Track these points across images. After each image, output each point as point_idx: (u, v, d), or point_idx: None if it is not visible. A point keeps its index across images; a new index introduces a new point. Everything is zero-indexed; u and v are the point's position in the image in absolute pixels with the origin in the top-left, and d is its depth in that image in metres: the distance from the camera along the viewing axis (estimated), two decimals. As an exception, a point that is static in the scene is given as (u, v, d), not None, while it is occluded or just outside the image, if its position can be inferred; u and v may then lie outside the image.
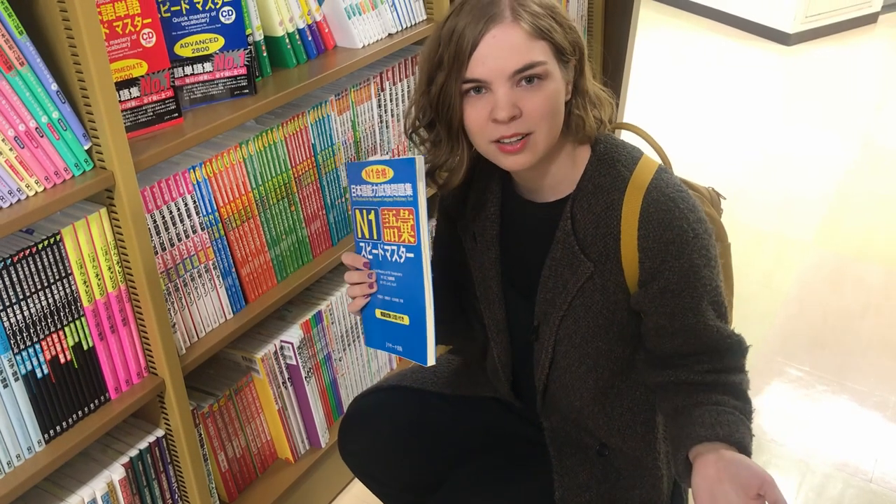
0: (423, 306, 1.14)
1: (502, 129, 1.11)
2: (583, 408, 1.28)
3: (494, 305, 1.31)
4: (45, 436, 1.28)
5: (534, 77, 1.09)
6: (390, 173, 1.14)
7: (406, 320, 1.17)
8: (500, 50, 1.08)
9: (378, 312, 1.21)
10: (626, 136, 1.36)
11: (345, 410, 1.51)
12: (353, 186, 1.21)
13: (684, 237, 1.13)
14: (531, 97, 1.10)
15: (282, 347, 1.70)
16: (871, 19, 5.14)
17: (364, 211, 1.20)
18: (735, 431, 1.07)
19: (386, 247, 1.17)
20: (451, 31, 1.10)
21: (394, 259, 1.17)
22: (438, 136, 1.19)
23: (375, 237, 1.19)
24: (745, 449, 1.06)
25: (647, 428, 1.29)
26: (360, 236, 1.22)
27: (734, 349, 1.17)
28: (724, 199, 1.49)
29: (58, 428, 1.29)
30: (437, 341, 1.24)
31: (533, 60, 1.09)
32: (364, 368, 1.97)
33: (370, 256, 1.20)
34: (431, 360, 1.15)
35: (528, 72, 1.09)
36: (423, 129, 1.22)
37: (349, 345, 1.90)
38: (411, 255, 1.14)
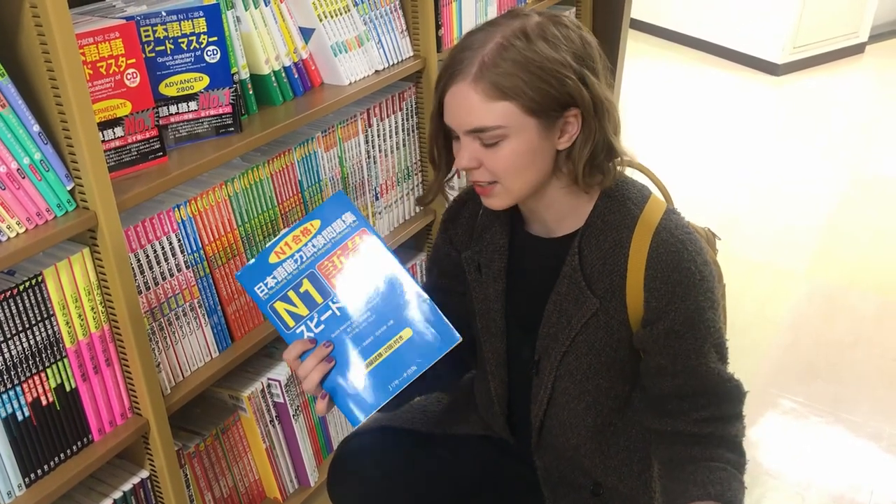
0: (422, 298, 1.12)
1: (471, 174, 1.15)
2: (579, 446, 1.27)
3: (496, 338, 1.29)
4: (26, 479, 1.26)
5: (489, 139, 1.10)
6: (317, 223, 1.13)
7: (408, 332, 1.12)
8: (457, 108, 1.10)
9: (366, 366, 1.13)
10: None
11: (334, 450, 1.49)
12: (258, 287, 1.13)
13: (692, 279, 1.13)
14: (491, 155, 1.11)
15: (269, 385, 1.68)
16: (858, 49, 5.19)
17: (290, 293, 1.13)
18: (727, 490, 1.08)
19: (341, 295, 1.13)
20: (439, 73, 1.14)
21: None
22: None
23: (320, 301, 1.13)
24: None
25: (643, 466, 1.27)
26: (291, 325, 1.13)
27: (733, 394, 1.17)
28: (720, 239, 1.49)
29: (39, 471, 1.28)
30: (433, 389, 1.22)
31: (483, 125, 1.08)
32: (354, 405, 1.95)
33: (320, 328, 1.13)
34: (459, 335, 1.12)
35: (480, 134, 1.10)
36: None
37: (338, 381, 1.88)
38: (382, 267, 1.13)
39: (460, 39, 1.14)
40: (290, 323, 1.14)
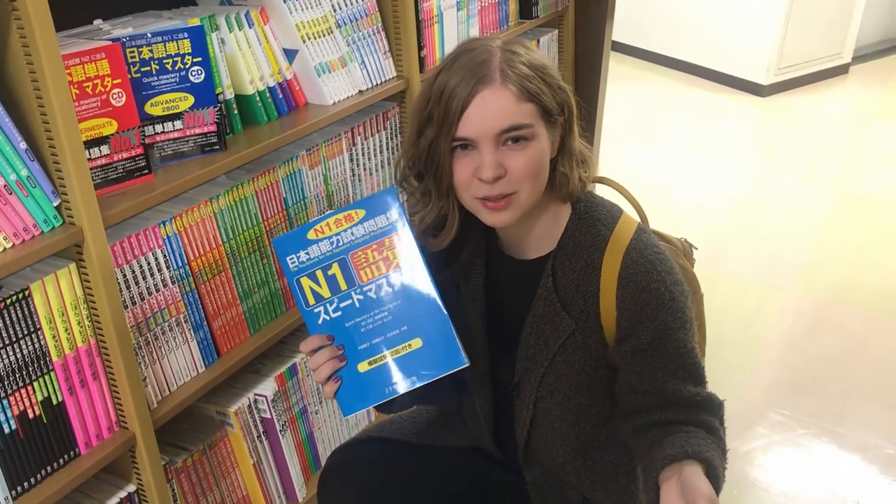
0: (441, 314, 1.13)
1: (486, 188, 1.13)
2: (565, 463, 1.28)
3: (478, 357, 1.30)
4: (13, 492, 1.27)
5: (520, 138, 1.12)
6: (362, 213, 1.14)
7: (418, 342, 1.13)
8: (489, 111, 1.11)
9: (364, 365, 1.15)
10: (601, 190, 1.37)
11: (322, 464, 1.50)
12: (290, 257, 1.16)
13: (661, 299, 1.15)
14: (516, 157, 1.12)
15: (256, 401, 1.70)
16: (842, 70, 5.27)
17: (318, 272, 1.15)
18: (705, 450, 1.07)
19: (366, 288, 1.15)
20: (442, 90, 1.13)
21: (383, 293, 1.14)
22: (427, 188, 1.21)
23: (345, 287, 1.15)
24: (712, 467, 1.06)
25: (628, 480, 1.28)
26: (311, 303, 1.16)
27: (705, 404, 1.18)
28: (696, 249, 1.51)
29: (26, 484, 1.29)
30: (410, 404, 1.23)
31: (519, 122, 1.11)
32: (341, 421, 1.97)
33: (337, 313, 1.16)
34: (468, 359, 1.13)
35: (513, 132, 1.11)
36: (414, 178, 1.24)
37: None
38: (412, 272, 1.14)
39: (456, 54, 1.16)
40: (311, 300, 1.16)
